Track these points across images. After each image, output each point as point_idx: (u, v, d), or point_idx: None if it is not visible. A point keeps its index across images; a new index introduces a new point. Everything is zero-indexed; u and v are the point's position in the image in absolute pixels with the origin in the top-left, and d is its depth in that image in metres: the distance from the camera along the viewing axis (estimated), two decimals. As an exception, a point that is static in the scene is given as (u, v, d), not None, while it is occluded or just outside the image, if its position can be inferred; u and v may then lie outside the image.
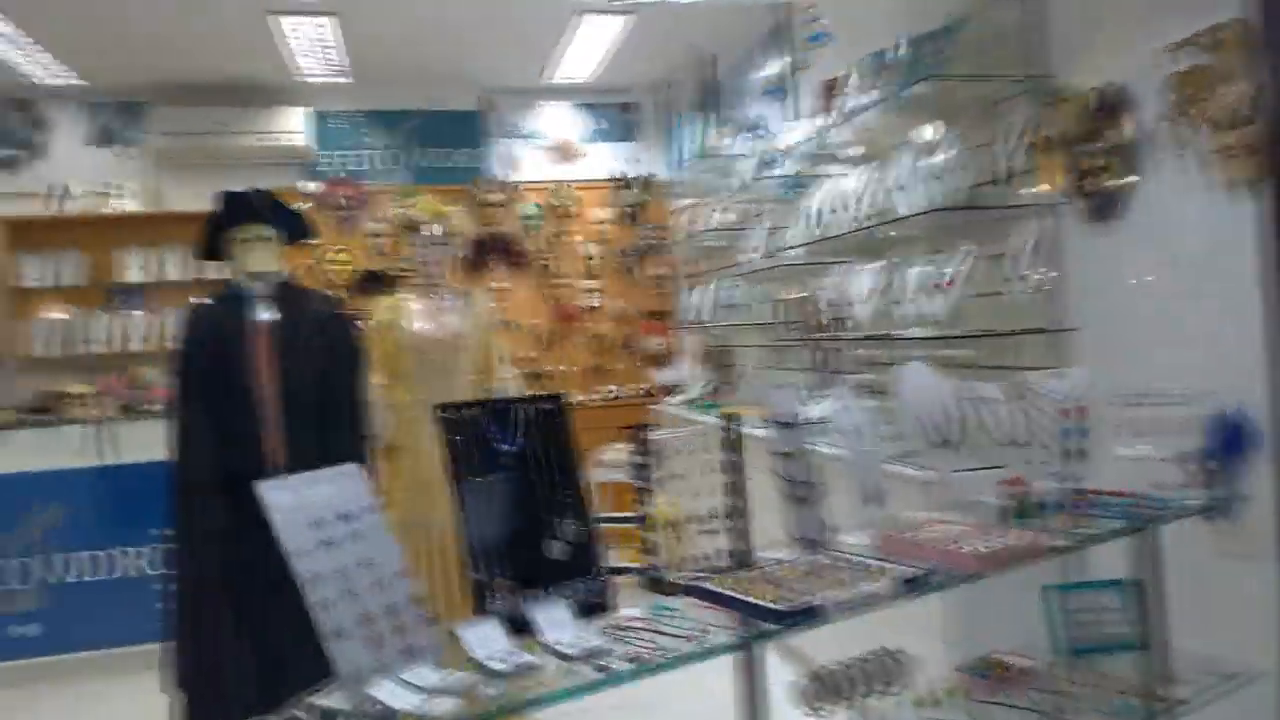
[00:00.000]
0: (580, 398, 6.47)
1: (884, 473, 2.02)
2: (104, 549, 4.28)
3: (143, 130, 6.17)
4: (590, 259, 6.79)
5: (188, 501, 2.98)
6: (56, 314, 5.92)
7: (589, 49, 5.88)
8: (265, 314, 3.16)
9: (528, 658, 1.38)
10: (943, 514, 2.00)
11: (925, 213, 3.20)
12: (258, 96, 6.19)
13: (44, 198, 5.95)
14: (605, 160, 6.91)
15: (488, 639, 1.41)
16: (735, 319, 5.19)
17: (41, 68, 5.58)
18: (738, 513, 1.78)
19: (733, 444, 1.81)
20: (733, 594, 1.55)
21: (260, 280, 3.16)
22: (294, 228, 3.36)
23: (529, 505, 1.57)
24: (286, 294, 3.23)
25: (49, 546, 4.21)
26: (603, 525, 1.75)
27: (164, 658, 2.91)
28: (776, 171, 4.44)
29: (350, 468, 1.42)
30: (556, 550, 1.57)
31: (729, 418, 1.83)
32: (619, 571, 1.78)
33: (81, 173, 6.06)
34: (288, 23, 5.10)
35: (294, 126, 6.26)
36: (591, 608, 1.55)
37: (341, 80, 6.19)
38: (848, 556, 1.77)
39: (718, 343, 5.73)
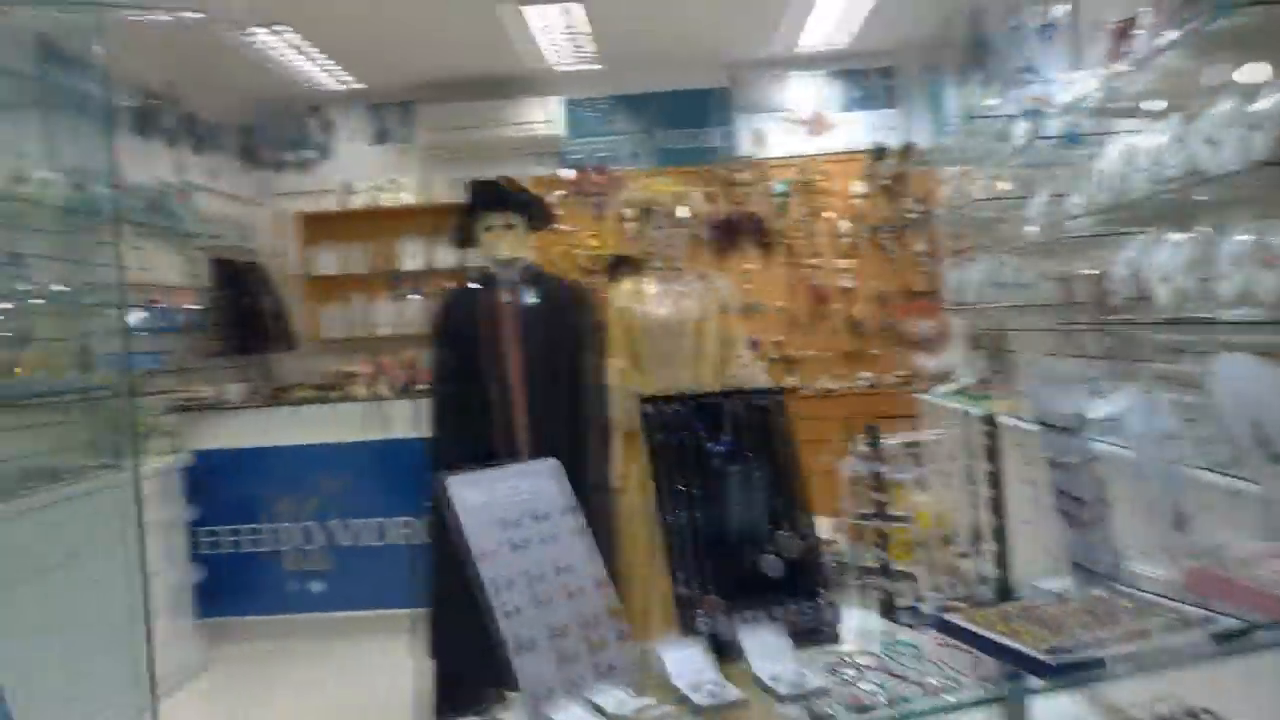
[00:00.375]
0: (833, 385, 6.17)
1: (1191, 488, 1.62)
2: (377, 517, 4.60)
3: (413, 128, 6.59)
4: (843, 237, 6.44)
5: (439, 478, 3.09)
6: (344, 300, 6.49)
7: (842, 13, 5.52)
8: (511, 298, 3.23)
9: (734, 692, 1.20)
10: (1271, 545, 1.59)
11: (1248, 170, 2.63)
12: (517, 88, 6.41)
13: (333, 194, 6.51)
14: (859, 131, 6.51)
15: (691, 665, 1.25)
16: (1010, 299, 4.63)
17: (328, 75, 6.10)
18: (998, 532, 1.50)
19: (996, 450, 1.52)
20: (992, 635, 1.27)
21: (507, 266, 3.23)
22: (537, 214, 3.40)
23: (743, 513, 1.38)
24: (532, 279, 3.28)
25: (332, 512, 4.60)
26: (850, 521, 1.53)
27: (415, 626, 3.05)
28: (1058, 130, 3.90)
29: (549, 463, 1.31)
30: (773, 566, 1.37)
31: (989, 419, 1.54)
32: (867, 573, 1.56)
33: (363, 170, 6.58)
34: (535, 12, 5.19)
35: (548, 116, 6.43)
36: (811, 635, 1.34)
37: (590, 67, 6.26)
38: (1141, 594, 1.43)
39: (989, 326, 5.19)
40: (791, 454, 1.46)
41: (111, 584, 3.75)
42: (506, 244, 3.25)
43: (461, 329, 3.25)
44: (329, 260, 6.48)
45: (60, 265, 4.27)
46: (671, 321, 3.36)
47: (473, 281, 3.37)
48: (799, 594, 1.35)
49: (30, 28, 4.37)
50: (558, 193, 6.40)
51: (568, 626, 1.20)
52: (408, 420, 4.55)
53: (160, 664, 4.05)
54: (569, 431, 3.19)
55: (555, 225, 3.65)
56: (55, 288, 4.12)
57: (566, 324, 3.28)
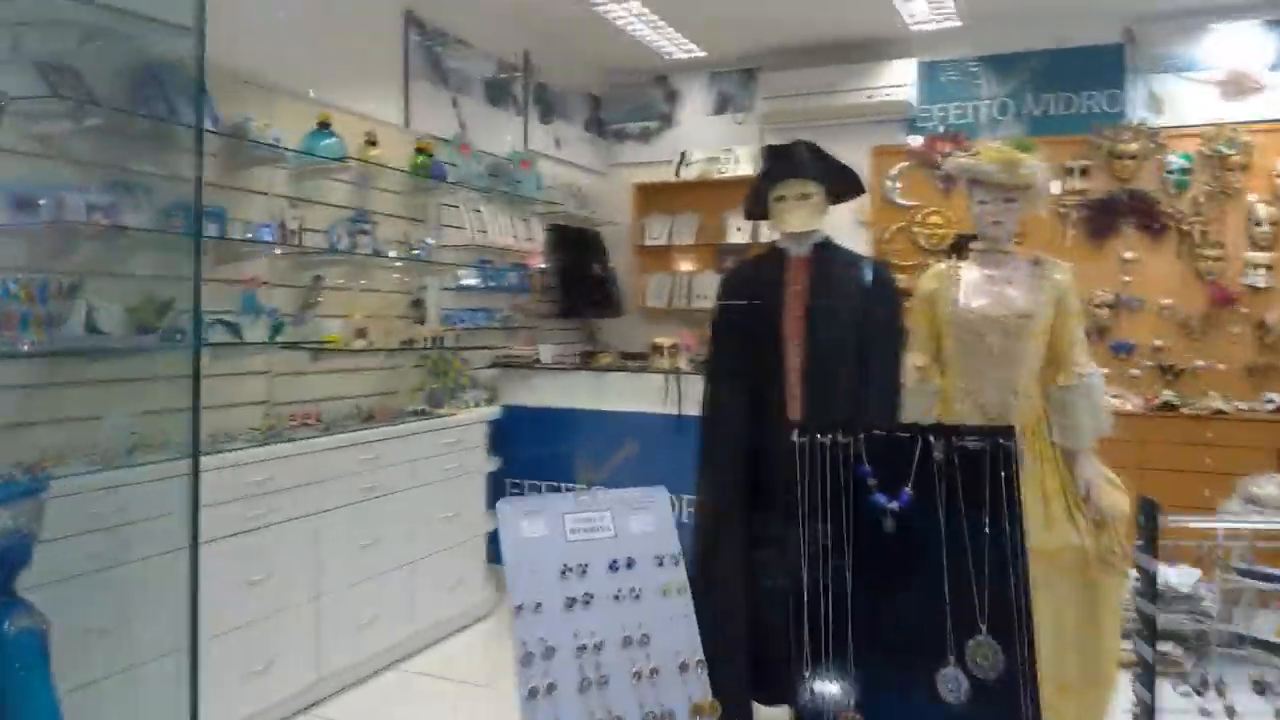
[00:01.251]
0: (1225, 406, 5.00)
1: None
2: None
3: (754, 96, 6.35)
4: (1260, 225, 5.16)
5: (710, 461, 2.86)
6: (670, 270, 6.46)
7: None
8: (797, 278, 2.87)
9: None
10: None
11: None
12: (867, 52, 5.93)
13: (669, 164, 6.48)
14: (1298, 91, 5.17)
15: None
16: None
17: (673, 44, 6.04)
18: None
19: None
20: None
21: (798, 241, 2.88)
22: (842, 184, 2.99)
23: (919, 605, 0.94)
24: (823, 256, 2.89)
25: (622, 480, 4.55)
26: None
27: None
28: None
29: (657, 494, 0.98)
30: (954, 685, 0.91)
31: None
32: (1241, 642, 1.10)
33: (702, 140, 6.47)
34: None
35: (900, 80, 5.86)
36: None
37: (950, 25, 5.58)
38: None
39: None
40: (1016, 526, 0.98)
41: (410, 516, 4.00)
42: (797, 216, 2.88)
43: (740, 310, 2.96)
44: (659, 230, 6.48)
45: (403, 224, 4.61)
46: (989, 315, 2.79)
47: (760, 257, 3.07)
48: None
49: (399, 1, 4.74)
50: (900, 165, 5.83)
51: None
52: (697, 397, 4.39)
53: (451, 603, 4.27)
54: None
55: (861, 196, 3.18)
56: (396, 245, 4.45)
57: (859, 310, 2.85)
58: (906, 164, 5.85)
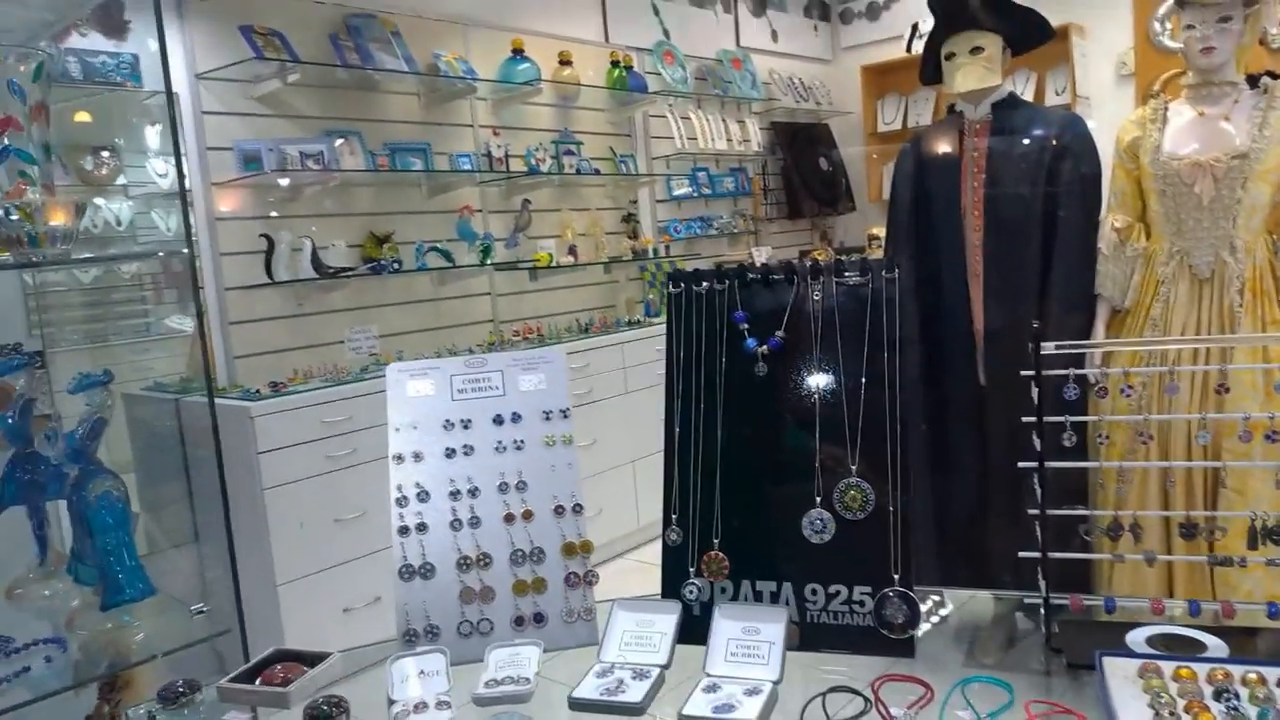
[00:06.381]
0: None
1: None
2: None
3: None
4: None
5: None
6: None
7: None
8: (976, 143, 2.62)
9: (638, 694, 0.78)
10: None
11: None
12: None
13: (900, 41, 6.02)
14: None
15: (641, 637, 0.85)
16: None
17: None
18: None
19: None
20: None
21: (974, 102, 2.61)
22: (1022, 31, 2.65)
23: (789, 449, 0.87)
24: (1005, 117, 2.61)
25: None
26: None
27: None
28: None
29: (549, 352, 0.98)
30: (821, 528, 0.84)
31: None
32: None
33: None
34: None
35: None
36: (853, 639, 0.80)
37: None
38: None
39: None
40: (891, 363, 0.89)
41: (624, 421, 4.19)
42: (969, 74, 2.61)
43: (917, 183, 2.75)
44: (892, 113, 6.08)
45: (608, 140, 4.72)
46: (1197, 160, 2.36)
47: (939, 124, 2.83)
48: (854, 573, 0.83)
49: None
50: (1168, 2, 4.98)
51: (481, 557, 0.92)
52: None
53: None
54: (1036, 310, 2.53)
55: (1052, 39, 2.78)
56: (603, 162, 4.57)
57: (1048, 171, 2.56)
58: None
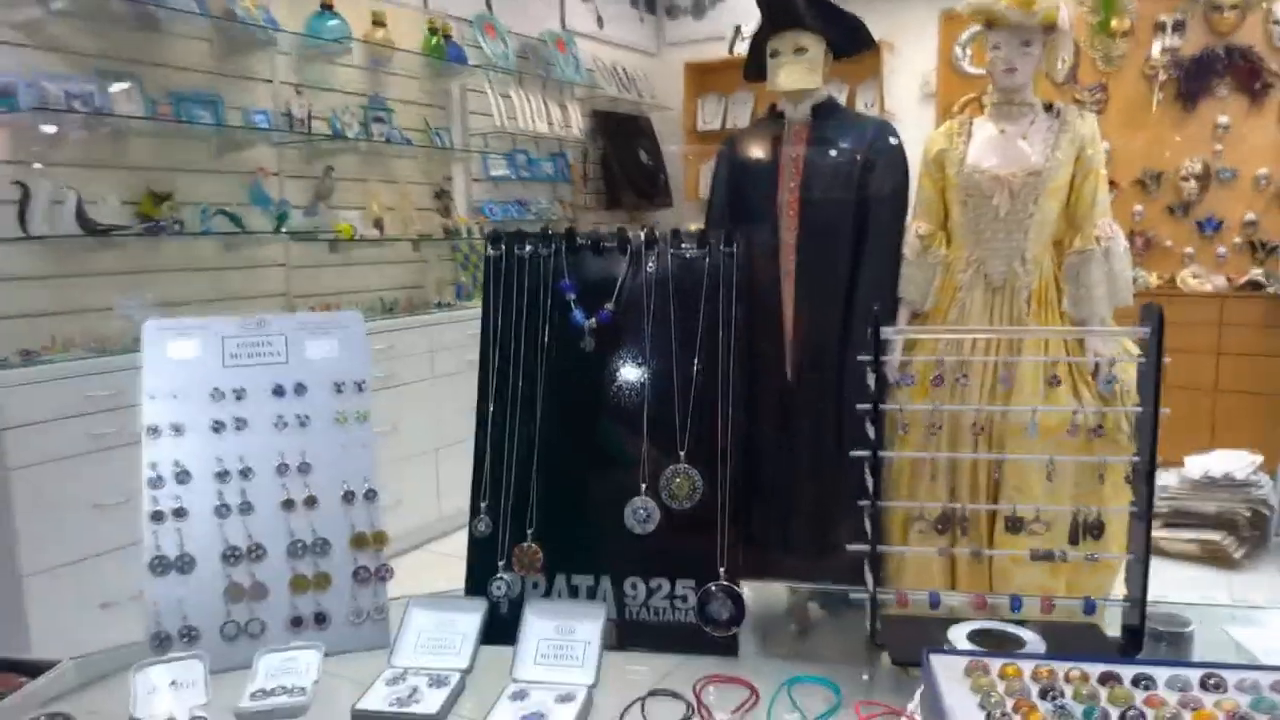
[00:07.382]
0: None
1: None
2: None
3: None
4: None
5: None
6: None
7: None
8: (792, 144, 2.63)
9: None
10: None
11: None
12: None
13: (722, 42, 6.11)
14: None
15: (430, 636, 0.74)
16: None
17: (719, -94, 5.61)
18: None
19: None
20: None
21: (794, 102, 2.62)
22: (847, 37, 2.69)
23: (614, 431, 0.80)
24: (824, 120, 2.63)
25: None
26: None
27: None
28: None
29: (347, 315, 0.85)
30: (645, 517, 0.79)
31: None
32: None
33: (754, 13, 6.04)
34: None
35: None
36: (672, 636, 0.73)
37: None
38: None
39: None
40: (729, 344, 0.83)
41: (428, 407, 4.00)
42: (791, 72, 2.60)
43: (734, 185, 2.73)
44: (713, 113, 6.17)
45: (423, 110, 4.49)
46: (996, 174, 2.48)
47: (756, 125, 2.83)
48: (677, 566, 0.76)
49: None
50: (970, 30, 5.33)
51: (253, 548, 0.78)
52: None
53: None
54: (842, 314, 2.56)
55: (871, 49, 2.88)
56: (415, 133, 4.34)
57: (860, 176, 2.59)
58: (977, 29, 5.33)
